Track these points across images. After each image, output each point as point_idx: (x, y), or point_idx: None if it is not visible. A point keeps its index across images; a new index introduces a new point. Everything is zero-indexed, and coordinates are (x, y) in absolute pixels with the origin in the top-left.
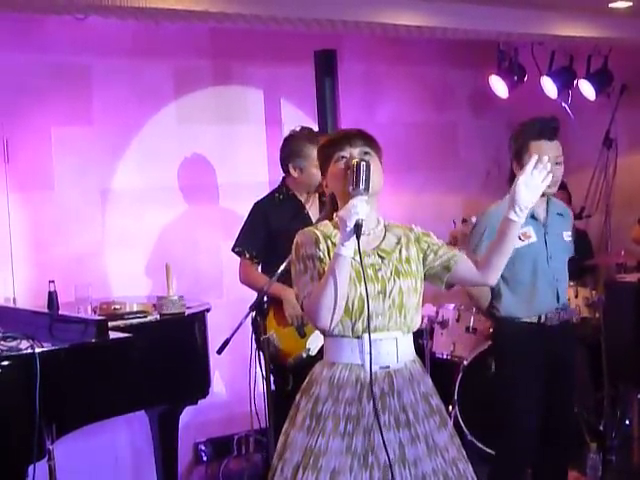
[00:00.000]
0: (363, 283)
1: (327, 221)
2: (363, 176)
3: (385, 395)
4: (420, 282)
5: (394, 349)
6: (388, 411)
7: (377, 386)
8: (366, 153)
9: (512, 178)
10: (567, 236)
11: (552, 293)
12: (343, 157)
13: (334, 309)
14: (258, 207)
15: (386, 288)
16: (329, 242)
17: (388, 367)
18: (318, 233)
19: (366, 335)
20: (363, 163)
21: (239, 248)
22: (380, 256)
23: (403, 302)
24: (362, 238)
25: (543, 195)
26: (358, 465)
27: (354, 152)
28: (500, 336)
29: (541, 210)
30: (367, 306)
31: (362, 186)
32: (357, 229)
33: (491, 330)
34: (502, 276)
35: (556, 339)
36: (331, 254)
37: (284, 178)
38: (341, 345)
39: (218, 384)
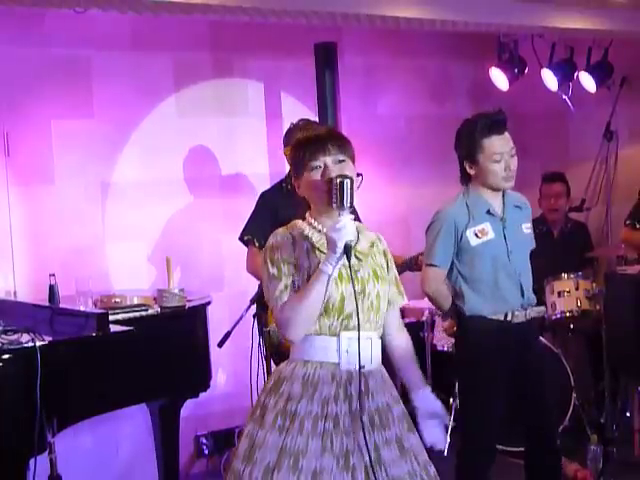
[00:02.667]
0: (345, 283)
1: (299, 221)
2: (348, 194)
3: (363, 396)
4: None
5: (369, 349)
6: (367, 412)
7: (354, 387)
8: (341, 161)
9: (464, 177)
10: (526, 228)
11: (516, 288)
12: (318, 166)
13: (307, 324)
14: (265, 196)
15: (365, 289)
16: (307, 244)
17: (363, 367)
18: (295, 234)
19: (343, 333)
20: (347, 181)
21: (248, 236)
22: (357, 257)
23: (380, 306)
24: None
25: (499, 190)
26: (338, 466)
27: (328, 161)
28: (468, 332)
29: (497, 205)
30: (356, 305)
31: (347, 204)
32: (347, 250)
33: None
34: (461, 275)
35: (523, 337)
36: (311, 255)
37: None
38: (316, 343)
39: (219, 377)
